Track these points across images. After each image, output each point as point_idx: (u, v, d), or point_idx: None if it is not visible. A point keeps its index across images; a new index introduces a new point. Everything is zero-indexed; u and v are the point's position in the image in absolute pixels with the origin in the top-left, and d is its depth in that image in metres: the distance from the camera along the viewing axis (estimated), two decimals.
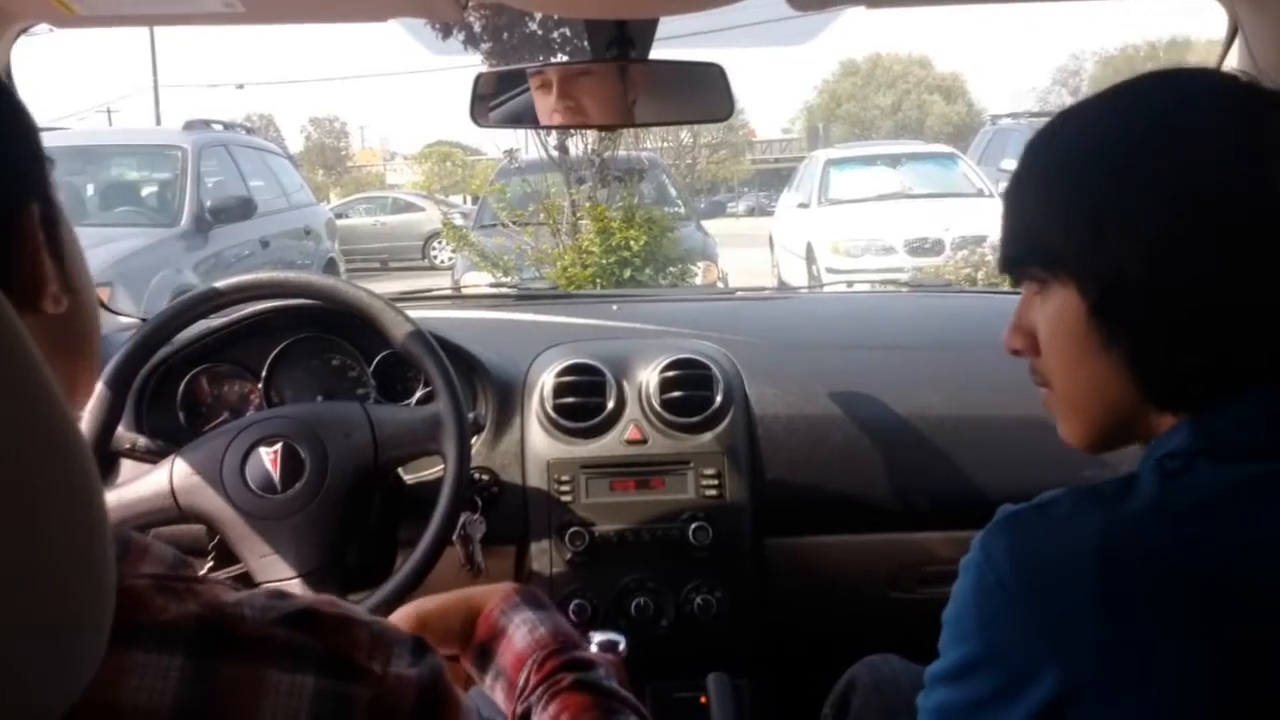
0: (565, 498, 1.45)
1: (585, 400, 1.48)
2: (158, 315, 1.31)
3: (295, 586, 1.15)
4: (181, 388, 1.48)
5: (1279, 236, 0.64)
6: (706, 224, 8.60)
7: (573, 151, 6.89)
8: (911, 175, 9.54)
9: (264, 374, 1.48)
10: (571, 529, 1.43)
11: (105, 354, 1.08)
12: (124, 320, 1.77)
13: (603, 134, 6.25)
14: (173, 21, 1.23)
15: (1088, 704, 0.61)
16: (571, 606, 1.42)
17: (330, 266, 7.86)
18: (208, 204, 6.19)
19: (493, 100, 1.38)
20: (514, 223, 6.80)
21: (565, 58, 8.02)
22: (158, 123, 19.16)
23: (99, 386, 1.22)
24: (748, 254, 10.37)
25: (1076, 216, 0.68)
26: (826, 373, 1.58)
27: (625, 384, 1.51)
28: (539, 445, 1.48)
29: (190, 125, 6.84)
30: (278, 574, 1.17)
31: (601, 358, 1.53)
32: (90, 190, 6.47)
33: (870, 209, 8.77)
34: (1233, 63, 1.24)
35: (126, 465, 1.36)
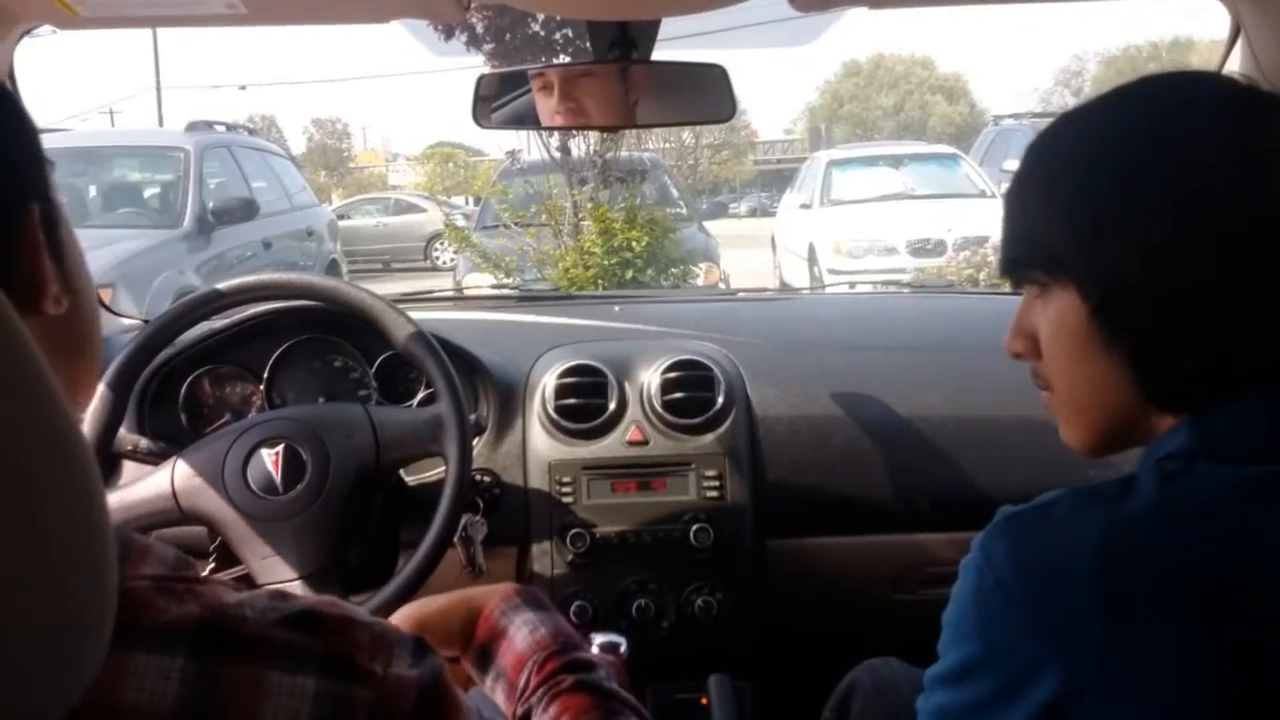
0: (567, 499, 1.45)
1: (587, 401, 1.48)
2: (160, 317, 1.31)
3: (297, 588, 1.15)
4: (183, 389, 1.48)
5: (1279, 239, 0.64)
6: (708, 225, 8.60)
7: (575, 152, 6.90)
8: (914, 176, 9.54)
9: (266, 375, 1.48)
10: (573, 530, 1.43)
11: (107, 355, 1.08)
12: (126, 322, 1.77)
13: (605, 135, 6.25)
14: (175, 23, 1.23)
15: (1089, 704, 0.61)
16: (573, 608, 1.42)
17: (332, 268, 7.87)
18: (210, 205, 6.20)
19: (495, 101, 1.38)
20: (516, 224, 6.80)
21: (567, 59, 8.02)
22: (160, 124, 19.18)
23: (101, 388, 1.22)
24: (750, 255, 10.37)
25: (1077, 219, 0.68)
26: (828, 374, 1.58)
27: (627, 385, 1.51)
28: (541, 446, 1.48)
29: (193, 126, 6.86)
30: (279, 575, 1.17)
31: (603, 359, 1.53)
32: (93, 191, 6.48)
33: (872, 210, 8.77)
34: (1235, 63, 1.24)
35: (128, 467, 1.36)
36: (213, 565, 1.28)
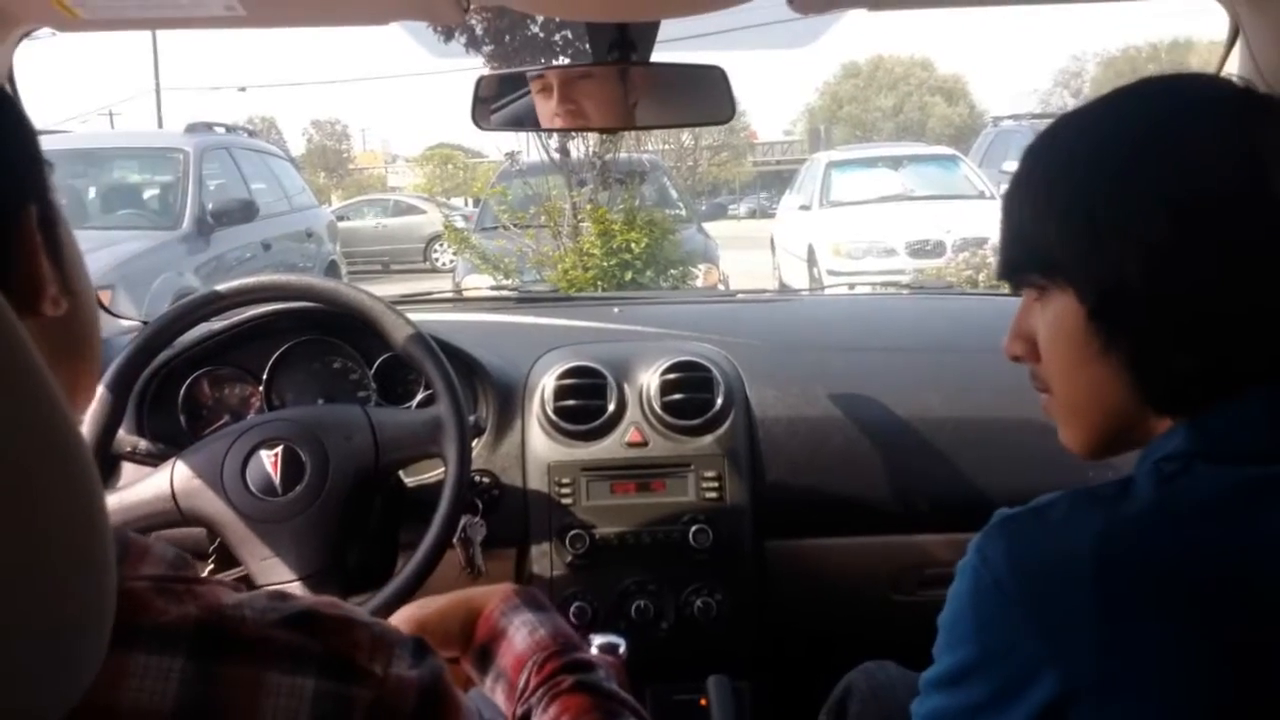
0: (566, 500, 1.45)
1: (586, 403, 1.48)
2: (159, 318, 1.31)
3: (296, 589, 1.15)
4: (183, 391, 1.48)
5: (1277, 241, 0.64)
6: (708, 226, 8.61)
7: (574, 154, 6.90)
8: (913, 177, 9.55)
9: (265, 377, 1.48)
10: (572, 531, 1.43)
11: (106, 357, 1.08)
12: (125, 323, 1.77)
13: (604, 136, 6.25)
14: (175, 25, 1.23)
15: (1087, 706, 0.61)
16: (572, 609, 1.42)
17: (332, 269, 7.87)
18: (209, 207, 6.21)
19: (494, 103, 1.38)
20: (515, 225, 6.80)
21: (567, 60, 8.02)
22: (160, 125, 19.21)
23: (100, 389, 1.22)
24: (749, 256, 10.37)
25: (1075, 221, 0.68)
26: (827, 375, 1.58)
27: (626, 386, 1.51)
28: (540, 448, 1.48)
29: (192, 128, 6.86)
30: (278, 577, 1.17)
31: (602, 360, 1.53)
32: (92, 193, 6.49)
33: (871, 211, 8.77)
34: (1234, 65, 1.24)
35: (127, 468, 1.36)
36: (212, 566, 1.28)
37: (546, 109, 1.35)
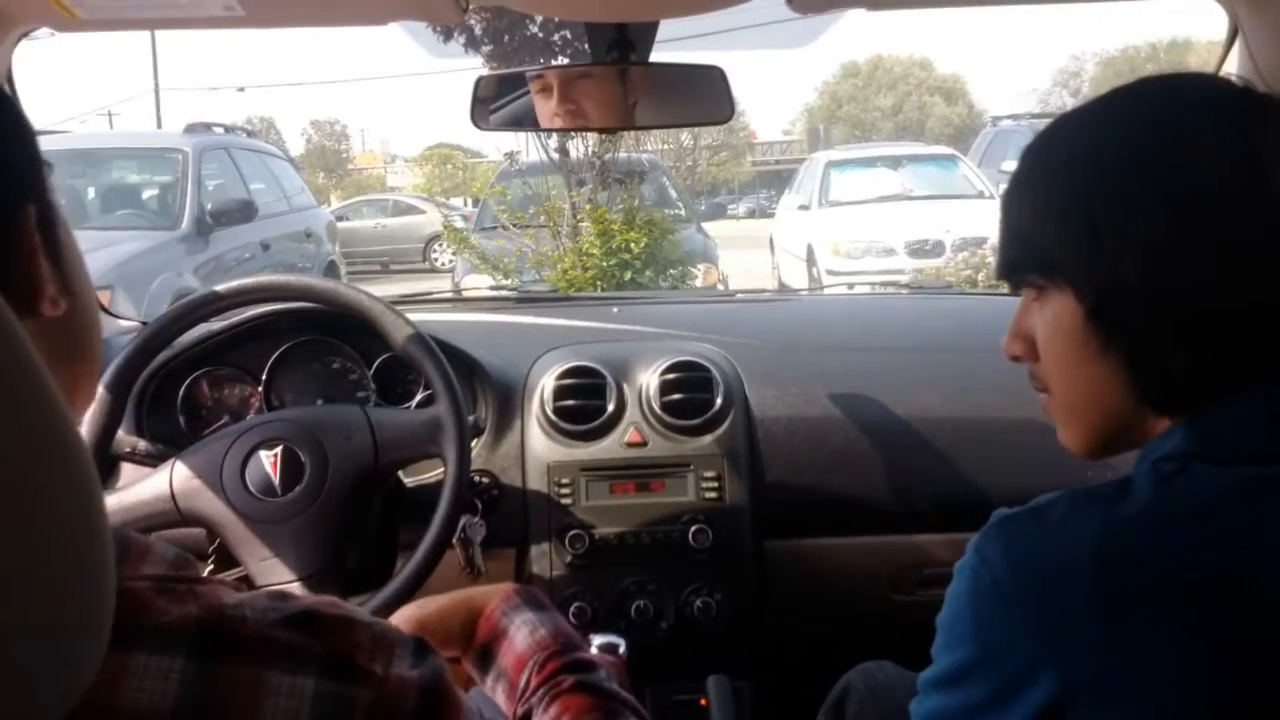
0: (565, 500, 1.45)
1: (585, 403, 1.48)
2: (158, 319, 1.31)
3: (295, 590, 1.15)
4: (182, 391, 1.48)
5: (1276, 240, 0.64)
6: (707, 226, 8.61)
7: (573, 154, 6.89)
8: (912, 177, 9.54)
9: (264, 377, 1.48)
10: (571, 532, 1.43)
11: (106, 357, 1.08)
12: (124, 324, 1.77)
13: (603, 136, 6.25)
14: (173, 25, 1.23)
15: (1086, 706, 0.61)
16: (571, 609, 1.42)
17: (331, 269, 7.87)
18: (208, 207, 6.20)
19: (493, 103, 1.38)
20: (514, 225, 6.80)
21: (566, 60, 8.03)
22: (159, 126, 19.21)
23: (99, 390, 1.22)
24: (748, 256, 10.37)
25: (1073, 221, 0.68)
26: (827, 375, 1.58)
27: (625, 386, 1.51)
28: (539, 448, 1.48)
29: (191, 128, 6.86)
30: (278, 577, 1.17)
31: (602, 360, 1.53)
32: (91, 193, 6.48)
33: (871, 211, 8.77)
34: (1233, 64, 1.24)
35: (127, 469, 1.36)
36: (211, 567, 1.28)
37: (546, 109, 1.35)
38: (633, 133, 7.20)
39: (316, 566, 1.18)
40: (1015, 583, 0.63)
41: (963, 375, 1.58)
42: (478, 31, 8.33)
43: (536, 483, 1.46)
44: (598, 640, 0.94)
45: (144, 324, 1.43)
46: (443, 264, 13.21)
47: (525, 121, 1.39)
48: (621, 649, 0.95)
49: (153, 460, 1.31)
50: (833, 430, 1.51)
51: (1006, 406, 1.48)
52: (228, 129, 7.49)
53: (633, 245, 6.25)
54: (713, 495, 1.45)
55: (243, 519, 1.19)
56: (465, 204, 18.25)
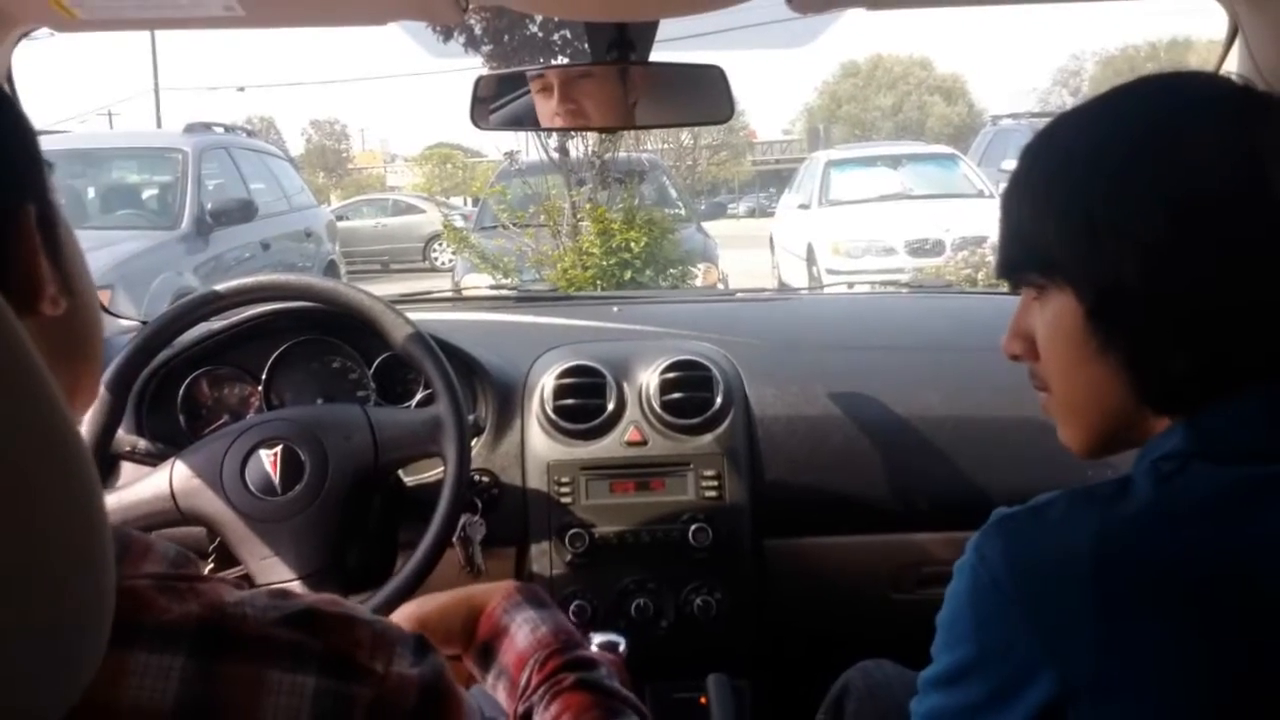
0: (565, 499, 1.45)
1: (585, 402, 1.48)
2: (158, 318, 1.31)
3: (296, 588, 1.15)
4: (182, 390, 1.48)
5: (1276, 239, 0.64)
6: (707, 225, 8.60)
7: (573, 153, 6.89)
8: (912, 176, 9.54)
9: (264, 377, 1.48)
10: (571, 530, 1.43)
11: (106, 357, 1.08)
12: (124, 323, 1.77)
13: (603, 136, 6.25)
14: (173, 25, 1.23)
15: (1085, 705, 0.61)
16: (572, 608, 1.42)
17: (331, 269, 7.87)
18: (208, 206, 6.20)
19: (493, 103, 1.38)
20: (514, 224, 6.80)
21: (566, 60, 8.03)
22: (158, 125, 19.19)
23: (99, 389, 1.22)
24: (748, 255, 10.37)
25: (1073, 220, 0.68)
26: (827, 374, 1.58)
27: (625, 385, 1.51)
28: (539, 447, 1.48)
29: (191, 128, 6.86)
30: (278, 576, 1.17)
31: (602, 359, 1.53)
32: (91, 193, 6.48)
33: (871, 210, 8.77)
34: (1233, 63, 1.24)
35: (127, 468, 1.36)
36: (212, 566, 1.28)
37: (546, 108, 1.35)
38: (633, 132, 7.20)
39: (317, 565, 1.18)
40: (1015, 582, 0.63)
41: (963, 374, 1.58)
42: (477, 31, 8.33)
43: (536, 482, 1.46)
44: (598, 639, 0.94)
45: (144, 323, 1.44)
46: (442, 263, 13.20)
47: (525, 121, 1.39)
48: (621, 647, 0.95)
49: (153, 459, 1.31)
50: (832, 429, 1.51)
51: (1006, 405, 1.48)
52: (228, 129, 7.49)
53: (633, 244, 6.25)
54: (712, 494, 1.45)
55: (243, 518, 1.19)
56: (465, 203, 18.24)
